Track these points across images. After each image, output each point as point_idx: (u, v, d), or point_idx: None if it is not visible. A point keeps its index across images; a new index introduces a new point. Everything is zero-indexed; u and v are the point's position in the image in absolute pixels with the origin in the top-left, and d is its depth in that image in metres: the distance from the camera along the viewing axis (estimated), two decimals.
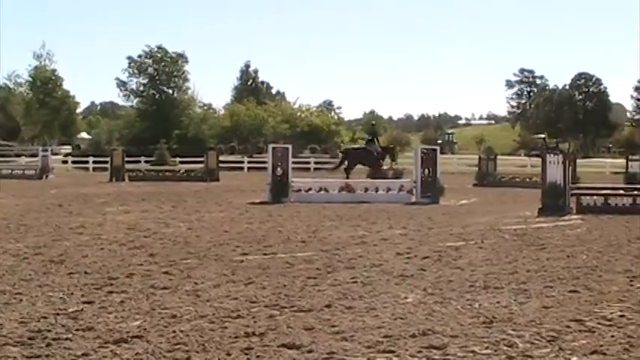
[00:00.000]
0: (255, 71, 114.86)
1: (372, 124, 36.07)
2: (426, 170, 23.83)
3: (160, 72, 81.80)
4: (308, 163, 55.14)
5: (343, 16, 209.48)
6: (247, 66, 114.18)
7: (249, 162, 56.43)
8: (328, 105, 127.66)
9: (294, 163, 26.50)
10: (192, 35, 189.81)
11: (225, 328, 6.86)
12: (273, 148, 24.52)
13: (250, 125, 73.78)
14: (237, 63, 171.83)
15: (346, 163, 33.58)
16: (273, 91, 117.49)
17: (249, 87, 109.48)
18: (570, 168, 22.02)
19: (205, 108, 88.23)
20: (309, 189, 24.01)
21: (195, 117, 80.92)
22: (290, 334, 6.66)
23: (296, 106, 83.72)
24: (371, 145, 34.75)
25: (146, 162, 54.02)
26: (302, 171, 44.43)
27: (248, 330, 6.74)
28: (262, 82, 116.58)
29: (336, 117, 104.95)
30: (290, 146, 25.16)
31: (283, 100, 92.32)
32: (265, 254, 11.63)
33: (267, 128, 73.19)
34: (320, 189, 24.01)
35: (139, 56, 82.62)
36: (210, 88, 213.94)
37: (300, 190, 23.71)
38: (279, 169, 23.56)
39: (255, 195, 24.43)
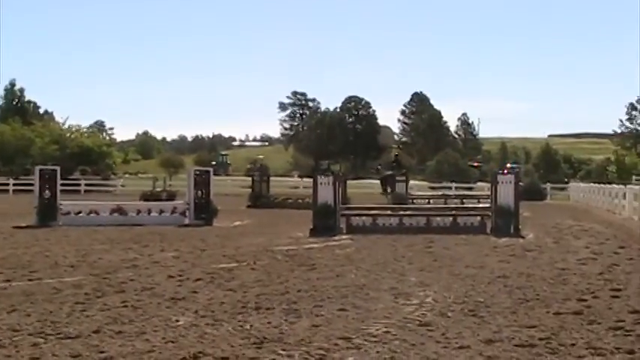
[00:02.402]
0: (21, 90, 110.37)
1: (395, 154, 46.68)
2: (200, 192, 23.81)
3: None
4: (78, 185, 53.76)
5: (111, 35, 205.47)
6: (12, 85, 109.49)
7: (14, 184, 54.27)
8: (100, 126, 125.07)
9: (63, 185, 25.84)
10: None
11: None
12: (41, 170, 23.80)
13: (16, 146, 70.75)
14: (2, 82, 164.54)
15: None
16: (41, 111, 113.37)
17: (15, 106, 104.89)
18: (341, 189, 22.68)
19: None
20: (79, 212, 23.45)
21: None
22: None
23: (65, 126, 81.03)
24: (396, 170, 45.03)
25: None
26: (72, 193, 43.24)
27: None
28: (29, 102, 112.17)
29: (107, 138, 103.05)
30: (59, 168, 24.55)
31: (52, 121, 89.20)
32: (30, 280, 11.15)
33: (34, 149, 70.44)
34: (90, 212, 23.49)
35: None
36: None
37: (69, 213, 23.11)
38: (47, 191, 22.83)
39: (21, 219, 23.41)
